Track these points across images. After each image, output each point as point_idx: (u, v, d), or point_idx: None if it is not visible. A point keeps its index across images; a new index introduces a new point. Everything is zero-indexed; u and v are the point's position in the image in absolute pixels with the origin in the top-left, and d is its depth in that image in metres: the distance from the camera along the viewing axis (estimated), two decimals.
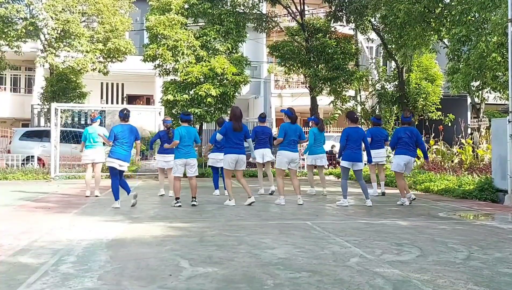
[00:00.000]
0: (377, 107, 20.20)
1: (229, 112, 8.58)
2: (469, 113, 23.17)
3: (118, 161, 7.80)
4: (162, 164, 9.86)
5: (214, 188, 10.13)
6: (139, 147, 8.53)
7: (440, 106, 18.82)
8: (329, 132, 21.98)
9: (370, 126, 13.68)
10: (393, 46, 14.78)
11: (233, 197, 8.25)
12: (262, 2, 19.26)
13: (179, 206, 7.91)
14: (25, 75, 27.53)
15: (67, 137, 15.80)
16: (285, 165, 8.38)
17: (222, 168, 9.25)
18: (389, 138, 10.29)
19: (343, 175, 8.49)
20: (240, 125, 8.07)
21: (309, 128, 10.61)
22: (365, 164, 9.74)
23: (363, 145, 8.56)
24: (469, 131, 18.42)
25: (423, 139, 15.85)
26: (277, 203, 8.42)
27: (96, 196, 9.50)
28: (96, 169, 9.74)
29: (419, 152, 9.27)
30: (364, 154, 8.92)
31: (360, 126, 10.64)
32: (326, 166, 12.11)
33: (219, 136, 8.21)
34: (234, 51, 17.27)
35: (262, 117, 10.35)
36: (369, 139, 9.34)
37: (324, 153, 10.26)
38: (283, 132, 8.28)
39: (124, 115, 8.04)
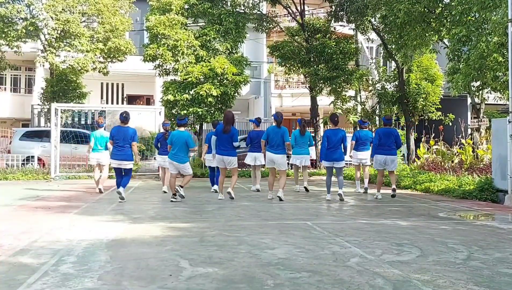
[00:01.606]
0: (377, 107, 20.21)
1: (223, 115, 9.20)
2: (469, 113, 23.18)
3: (115, 162, 8.62)
4: (162, 164, 10.51)
5: (212, 187, 10.69)
6: (135, 148, 8.81)
7: (440, 106, 18.80)
8: None
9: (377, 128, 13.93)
10: (393, 46, 14.75)
11: (223, 193, 8.98)
12: (262, 2, 19.26)
13: (176, 199, 8.51)
14: (25, 75, 27.53)
15: (67, 137, 15.81)
16: (269, 164, 9.11)
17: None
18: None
19: (327, 174, 9.25)
20: (228, 128, 8.74)
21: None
22: (348, 164, 10.54)
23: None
24: (469, 131, 18.41)
25: (423, 138, 16.00)
26: (269, 198, 9.03)
27: (100, 190, 10.13)
28: (103, 170, 10.50)
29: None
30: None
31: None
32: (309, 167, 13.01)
33: (213, 139, 9.20)
34: (234, 51, 17.28)
35: (258, 121, 10.91)
36: (352, 142, 10.77)
37: (308, 155, 10.82)
38: (266, 134, 9.11)
39: (124, 118, 8.63)
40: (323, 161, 9.23)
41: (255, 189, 10.84)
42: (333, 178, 9.13)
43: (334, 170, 9.10)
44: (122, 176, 8.69)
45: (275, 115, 9.23)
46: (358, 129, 11.66)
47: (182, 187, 8.58)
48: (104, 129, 10.55)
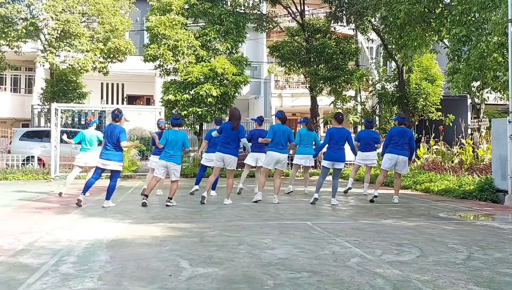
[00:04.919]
0: (377, 107, 20.22)
1: (229, 112, 8.69)
2: (469, 114, 23.14)
3: (100, 161, 7.91)
4: (155, 165, 9.52)
5: (208, 188, 9.63)
6: (124, 148, 8.13)
7: (440, 107, 18.79)
8: None
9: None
10: (393, 47, 14.75)
11: (209, 192, 8.61)
12: (262, 3, 19.28)
13: (144, 203, 7.99)
14: (25, 75, 27.52)
15: (67, 137, 15.78)
16: (272, 165, 8.56)
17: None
18: (381, 140, 10.46)
19: (321, 173, 8.68)
20: (237, 124, 8.24)
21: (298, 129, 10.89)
22: (352, 163, 9.94)
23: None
24: (469, 131, 18.40)
25: (423, 139, 15.98)
26: (254, 201, 8.52)
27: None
28: (89, 173, 9.41)
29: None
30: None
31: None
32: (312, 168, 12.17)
33: (215, 134, 8.49)
34: (234, 51, 17.29)
35: (261, 120, 10.25)
36: (356, 143, 9.89)
37: (312, 154, 10.31)
38: (272, 132, 8.51)
39: (115, 116, 7.97)
40: (323, 160, 8.61)
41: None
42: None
43: (331, 171, 8.59)
44: (97, 178, 7.97)
45: (279, 113, 8.83)
46: (364, 128, 11.31)
47: (171, 198, 8.11)
48: (98, 127, 9.70)
